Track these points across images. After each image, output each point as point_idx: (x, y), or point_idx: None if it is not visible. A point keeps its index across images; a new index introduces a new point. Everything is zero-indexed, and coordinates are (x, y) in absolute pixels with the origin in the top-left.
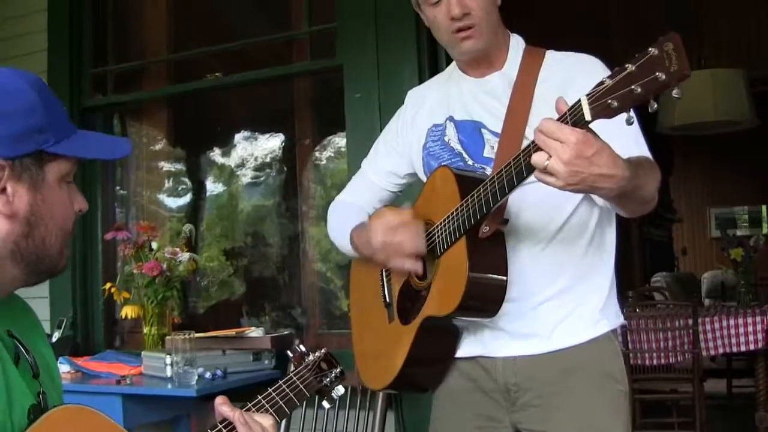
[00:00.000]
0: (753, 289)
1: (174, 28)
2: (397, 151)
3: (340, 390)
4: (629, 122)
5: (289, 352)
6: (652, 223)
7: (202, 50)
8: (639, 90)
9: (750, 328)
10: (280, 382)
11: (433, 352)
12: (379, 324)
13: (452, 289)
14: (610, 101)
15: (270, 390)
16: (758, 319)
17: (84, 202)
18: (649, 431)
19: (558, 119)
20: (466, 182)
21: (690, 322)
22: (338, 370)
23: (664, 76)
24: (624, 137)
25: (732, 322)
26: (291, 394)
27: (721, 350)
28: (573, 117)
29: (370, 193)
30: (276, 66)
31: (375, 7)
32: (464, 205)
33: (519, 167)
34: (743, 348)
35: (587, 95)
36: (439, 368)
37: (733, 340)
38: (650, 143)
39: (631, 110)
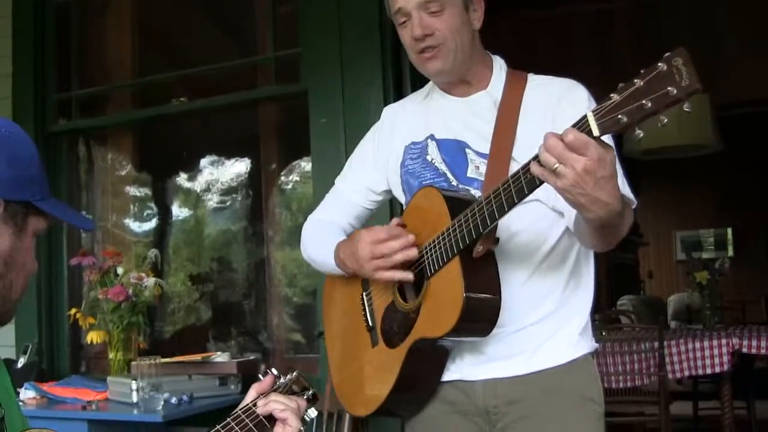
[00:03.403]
0: (718, 312)
1: (139, 53)
2: (375, 167)
3: (312, 413)
4: (637, 138)
5: (260, 375)
6: (618, 247)
7: (166, 75)
8: (649, 105)
9: (716, 351)
10: (249, 404)
11: (421, 376)
12: (361, 349)
13: (447, 310)
14: (619, 116)
15: (239, 411)
16: (723, 341)
17: (35, 263)
18: None
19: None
20: (456, 203)
21: (656, 344)
22: (311, 392)
23: (675, 91)
24: None
25: (698, 344)
26: (261, 417)
27: (687, 373)
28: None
29: (345, 211)
30: (241, 91)
31: (339, 32)
32: (456, 225)
33: (519, 185)
34: (709, 371)
35: (593, 111)
36: (424, 393)
37: (699, 363)
38: None
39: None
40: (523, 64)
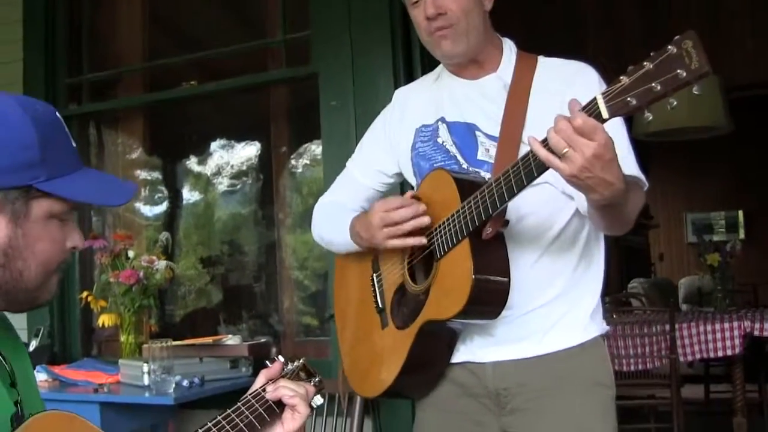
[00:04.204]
0: (730, 295)
1: (149, 36)
2: (385, 150)
3: (318, 400)
4: (646, 121)
5: (267, 362)
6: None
7: (177, 59)
8: (659, 88)
9: (727, 334)
10: (258, 389)
11: (431, 357)
12: (371, 330)
13: (456, 292)
14: (629, 99)
15: (248, 396)
16: (735, 324)
17: (79, 239)
18: None
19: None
20: (466, 185)
21: (667, 327)
22: (317, 379)
23: (685, 74)
24: (618, 145)
25: (709, 327)
26: (271, 402)
27: (698, 356)
28: (588, 115)
29: (356, 193)
30: (251, 74)
31: (349, 14)
32: (466, 207)
33: (529, 168)
34: (720, 354)
35: (603, 93)
36: (433, 374)
37: (711, 346)
38: None
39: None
40: (532, 47)
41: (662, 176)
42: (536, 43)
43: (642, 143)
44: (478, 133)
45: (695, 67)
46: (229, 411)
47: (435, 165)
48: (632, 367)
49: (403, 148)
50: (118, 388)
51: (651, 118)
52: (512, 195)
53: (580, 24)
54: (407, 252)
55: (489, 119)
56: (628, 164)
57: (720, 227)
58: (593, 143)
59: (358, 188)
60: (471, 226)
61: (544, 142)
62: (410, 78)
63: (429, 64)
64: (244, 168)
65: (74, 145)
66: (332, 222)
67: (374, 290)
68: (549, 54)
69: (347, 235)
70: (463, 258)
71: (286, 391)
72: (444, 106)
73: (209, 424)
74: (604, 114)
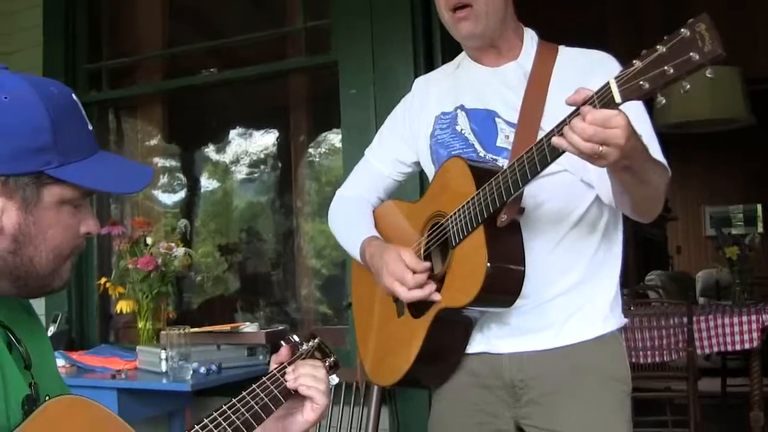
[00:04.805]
0: (748, 288)
1: (168, 24)
2: (404, 139)
3: (334, 379)
4: (659, 105)
5: (282, 341)
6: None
7: (196, 46)
8: (672, 71)
9: (745, 327)
10: (274, 371)
11: (446, 346)
12: (387, 319)
13: (470, 280)
14: (641, 83)
15: (264, 378)
16: (753, 317)
17: (94, 225)
18: (643, 429)
19: (585, 102)
20: (481, 172)
21: (684, 320)
22: (332, 359)
23: (698, 57)
24: (644, 137)
25: (727, 320)
26: (285, 383)
27: (715, 349)
28: (602, 100)
29: (374, 182)
30: (271, 62)
31: (370, 2)
32: (481, 194)
33: (542, 153)
34: (738, 347)
35: (616, 78)
36: (449, 363)
37: (728, 339)
38: None
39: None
40: (554, 36)
41: (681, 169)
42: (555, 29)
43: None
44: (498, 119)
45: (708, 49)
46: (244, 393)
47: (453, 153)
48: (649, 360)
49: (423, 136)
50: (136, 374)
51: (664, 101)
52: (526, 181)
53: (601, 11)
54: (423, 240)
55: (509, 107)
56: (653, 150)
57: (738, 221)
58: (618, 130)
59: (377, 177)
60: (486, 213)
61: (559, 132)
62: (431, 66)
63: (449, 52)
64: (263, 156)
65: (90, 128)
66: (348, 228)
67: None
68: (568, 42)
69: (357, 252)
70: (477, 246)
71: (306, 380)
72: (464, 94)
73: (224, 407)
74: (617, 98)
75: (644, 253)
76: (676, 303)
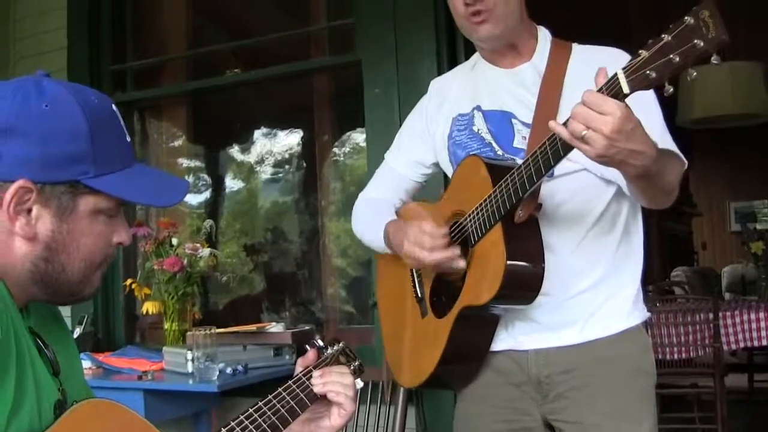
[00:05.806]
0: None
1: (193, 24)
2: (423, 140)
3: (359, 383)
4: (667, 93)
5: (307, 346)
6: (671, 218)
7: (220, 46)
8: (677, 59)
9: None
10: (300, 374)
11: (470, 345)
12: (411, 320)
13: (490, 277)
14: (648, 72)
15: (290, 382)
16: None
17: (126, 235)
18: (670, 425)
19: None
20: (498, 170)
21: (710, 316)
22: (357, 363)
23: (702, 43)
24: (651, 123)
25: (753, 316)
26: (311, 387)
27: (741, 344)
28: (610, 91)
29: (395, 184)
30: (294, 62)
31: (394, 2)
32: (497, 191)
33: (555, 147)
34: (764, 342)
35: (623, 69)
36: (473, 363)
37: (755, 335)
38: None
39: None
40: (577, 34)
41: (706, 165)
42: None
43: (685, 131)
44: (514, 120)
45: (712, 36)
46: (270, 396)
47: (469, 153)
48: (675, 356)
49: (440, 138)
50: (162, 375)
51: (672, 90)
52: (541, 175)
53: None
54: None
55: (525, 107)
56: (665, 142)
57: (763, 216)
58: (608, 117)
59: (398, 180)
60: (503, 209)
61: (566, 125)
62: (454, 65)
63: (473, 51)
64: (287, 156)
65: (129, 139)
66: (371, 224)
67: (413, 279)
68: (590, 33)
69: (381, 238)
70: (496, 243)
71: (334, 387)
72: (480, 95)
73: (250, 410)
74: (625, 89)
75: (669, 249)
76: (701, 299)
